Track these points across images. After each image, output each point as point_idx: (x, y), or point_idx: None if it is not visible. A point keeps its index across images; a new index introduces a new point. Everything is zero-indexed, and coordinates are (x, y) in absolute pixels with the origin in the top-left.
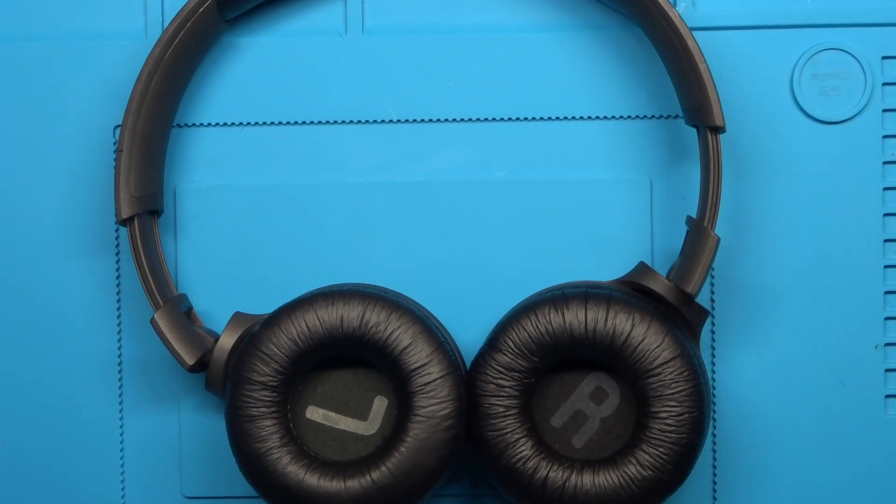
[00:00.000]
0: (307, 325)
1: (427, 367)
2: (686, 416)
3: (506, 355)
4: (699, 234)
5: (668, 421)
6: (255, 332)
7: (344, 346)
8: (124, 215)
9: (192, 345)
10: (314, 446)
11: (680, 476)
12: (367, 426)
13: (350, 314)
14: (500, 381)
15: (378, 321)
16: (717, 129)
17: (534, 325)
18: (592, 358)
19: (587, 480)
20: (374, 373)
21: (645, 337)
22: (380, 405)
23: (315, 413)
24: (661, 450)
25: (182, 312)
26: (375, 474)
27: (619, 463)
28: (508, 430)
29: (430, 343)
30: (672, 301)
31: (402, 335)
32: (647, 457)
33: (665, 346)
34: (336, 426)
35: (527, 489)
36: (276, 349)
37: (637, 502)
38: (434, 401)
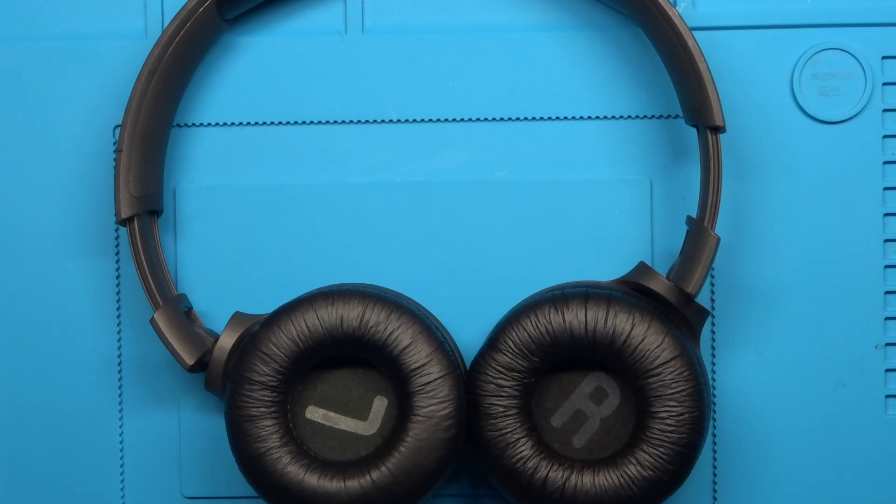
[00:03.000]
0: (307, 325)
1: (427, 367)
2: (686, 416)
3: (506, 355)
4: (699, 233)
5: (668, 421)
6: (254, 331)
7: (344, 346)
8: (124, 215)
9: (191, 345)
10: (314, 446)
11: (680, 476)
12: (367, 426)
13: (350, 314)
14: (500, 380)
15: (378, 321)
16: (717, 129)
17: (534, 324)
18: (592, 358)
19: (587, 480)
20: (373, 373)
21: (645, 337)
22: (380, 405)
23: (315, 413)
24: (661, 450)
25: (182, 312)
26: (375, 474)
27: (619, 463)
28: (508, 430)
29: (430, 343)
30: (672, 301)
31: (401, 335)
32: (647, 457)
33: (665, 346)
34: (336, 426)
35: (527, 489)
36: (275, 349)
37: (637, 502)
38: (434, 401)
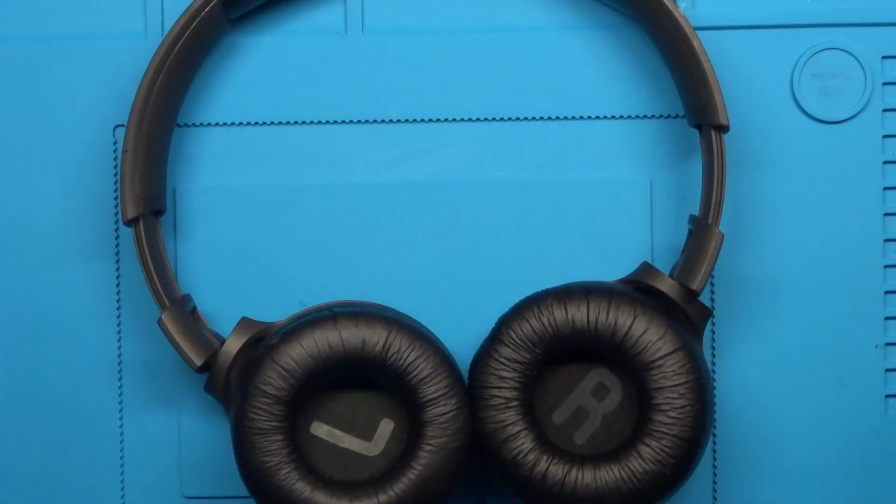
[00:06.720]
0: (329, 345)
1: (443, 399)
2: (688, 408)
3: (508, 347)
4: (703, 231)
5: (671, 413)
6: (272, 343)
7: (363, 368)
8: (130, 215)
9: (199, 346)
10: (316, 462)
11: (682, 470)
12: (371, 447)
13: (373, 338)
14: (501, 372)
15: (400, 348)
16: (722, 128)
17: (536, 317)
18: (594, 351)
19: (588, 474)
20: (382, 395)
21: (647, 329)
22: (386, 427)
23: (320, 429)
24: (662, 442)
25: (188, 313)
26: (383, 497)
27: (621, 457)
28: (509, 422)
29: (449, 375)
30: (676, 299)
31: (423, 365)
32: (648, 450)
33: (667, 339)
34: (340, 444)
35: (526, 482)
36: (295, 364)
37: (639, 496)
38: (449, 433)
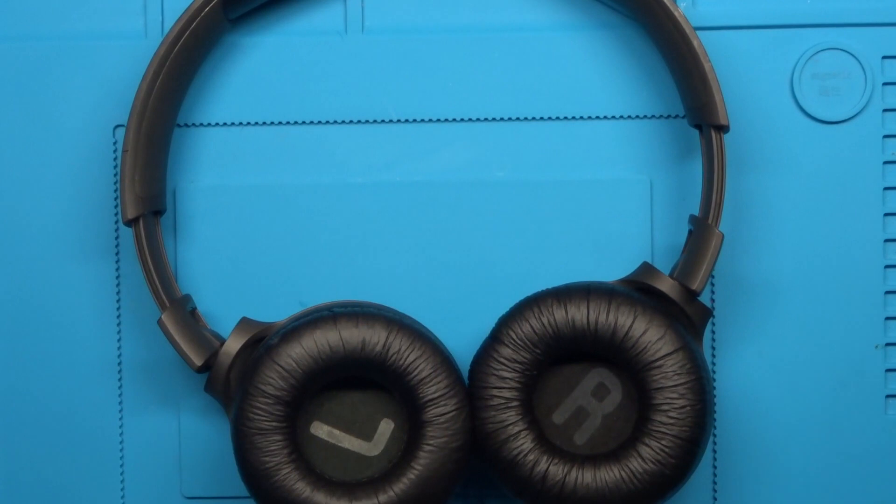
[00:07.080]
0: (329, 345)
1: (443, 400)
2: (688, 408)
3: (508, 347)
4: (703, 231)
5: (671, 413)
6: (272, 343)
7: (363, 368)
8: (130, 216)
9: (199, 346)
10: (316, 462)
11: (682, 470)
12: (371, 447)
13: (373, 338)
14: (501, 372)
15: (400, 348)
16: (722, 128)
17: (536, 317)
18: (594, 351)
19: (588, 474)
20: (382, 395)
21: (647, 329)
22: (386, 428)
23: (320, 429)
24: (662, 443)
25: (188, 313)
26: (383, 497)
27: (621, 457)
28: (509, 422)
29: (449, 376)
30: (676, 299)
31: (423, 365)
32: (649, 450)
33: (667, 339)
34: (339, 444)
35: (526, 483)
36: (294, 365)
37: (639, 496)
38: (448, 433)
